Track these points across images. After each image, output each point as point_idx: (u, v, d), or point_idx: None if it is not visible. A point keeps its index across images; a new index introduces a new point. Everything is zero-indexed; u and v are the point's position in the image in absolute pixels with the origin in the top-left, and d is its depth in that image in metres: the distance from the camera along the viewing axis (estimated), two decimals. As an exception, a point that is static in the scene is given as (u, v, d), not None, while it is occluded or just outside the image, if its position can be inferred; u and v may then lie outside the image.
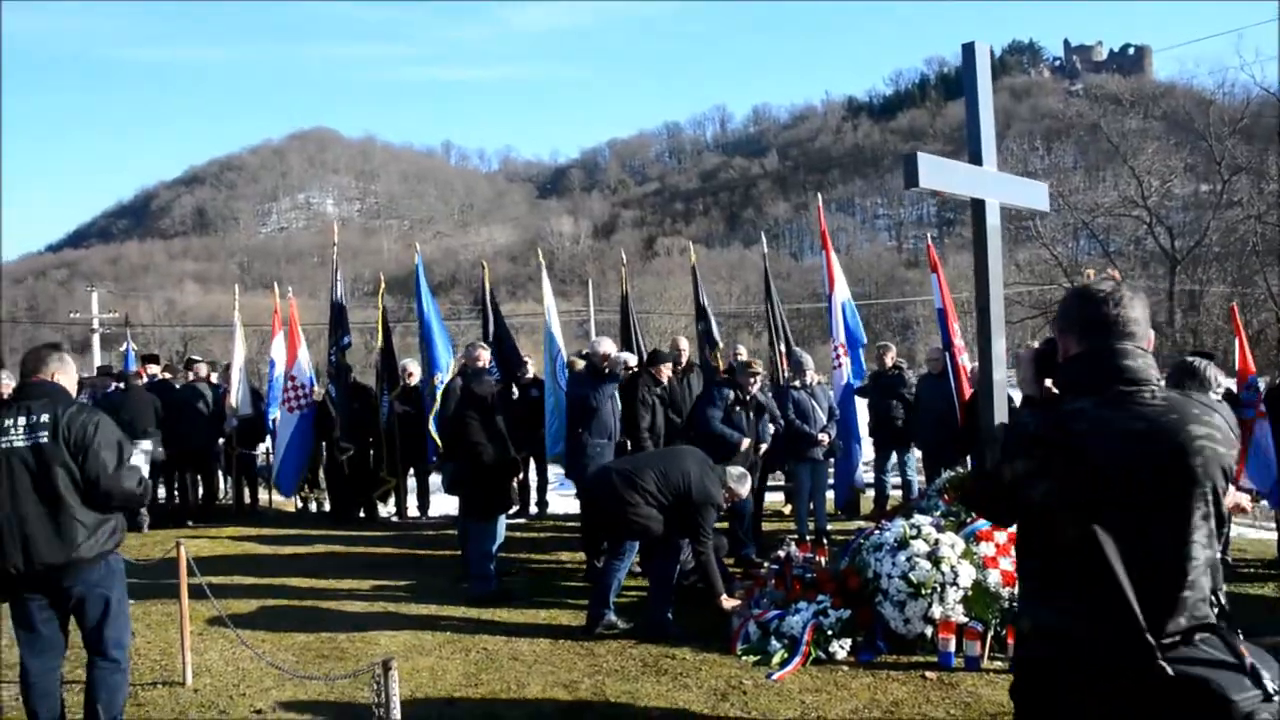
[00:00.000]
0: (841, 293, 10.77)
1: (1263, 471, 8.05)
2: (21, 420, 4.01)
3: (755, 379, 8.31)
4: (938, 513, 6.30)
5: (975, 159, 6.36)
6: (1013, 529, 5.82)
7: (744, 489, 6.66)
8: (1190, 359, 5.51)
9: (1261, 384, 8.49)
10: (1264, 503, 8.79)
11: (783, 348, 10.87)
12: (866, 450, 10.86)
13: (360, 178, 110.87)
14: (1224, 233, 26.33)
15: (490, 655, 5.68)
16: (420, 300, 10.88)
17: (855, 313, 10.85)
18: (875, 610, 5.81)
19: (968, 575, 5.69)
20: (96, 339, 31.31)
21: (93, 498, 4.06)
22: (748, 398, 8.24)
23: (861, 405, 10.65)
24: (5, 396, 9.86)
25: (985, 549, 5.90)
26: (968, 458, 9.38)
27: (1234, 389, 8.32)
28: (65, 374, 4.31)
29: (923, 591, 5.65)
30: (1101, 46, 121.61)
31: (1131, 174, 25.88)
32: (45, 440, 3.97)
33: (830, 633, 5.70)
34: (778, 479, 10.66)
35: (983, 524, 6.08)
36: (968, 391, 9.55)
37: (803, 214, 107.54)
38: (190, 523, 10.45)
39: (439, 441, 9.46)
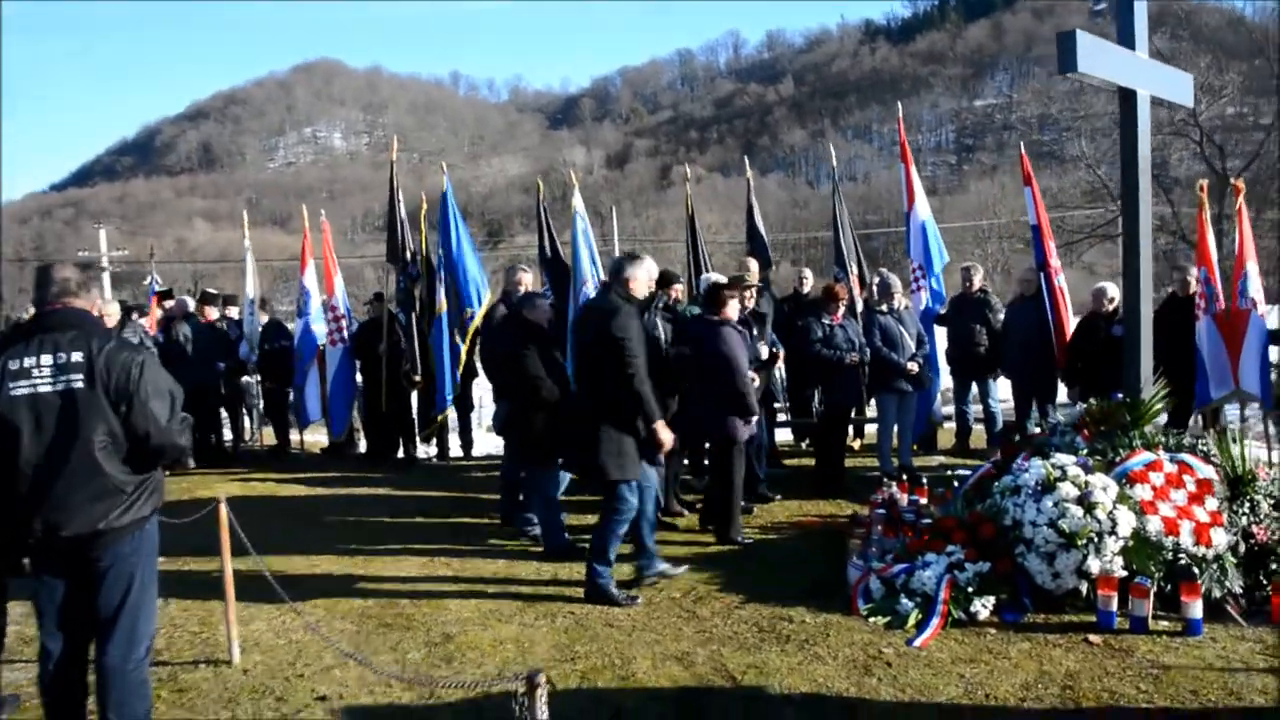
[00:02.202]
0: (922, 211, 9.87)
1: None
2: (47, 359, 3.20)
3: (752, 294, 7.60)
4: (1083, 451, 5.48)
5: (1127, 44, 5.46)
6: (1172, 468, 5.05)
7: (640, 268, 5.54)
8: None
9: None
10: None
11: (854, 269, 10.00)
12: (944, 379, 10.04)
13: (368, 110, 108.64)
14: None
15: (580, 622, 4.95)
16: (448, 228, 9.93)
17: (937, 234, 9.93)
18: (1017, 563, 5.06)
19: (1127, 523, 4.91)
20: (107, 277, 30.50)
21: (139, 455, 3.30)
22: (745, 314, 7.40)
23: (939, 332, 9.82)
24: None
25: (1142, 492, 5.12)
26: (1070, 386, 8.65)
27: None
28: (95, 303, 3.48)
29: (1077, 542, 4.88)
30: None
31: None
32: (80, 385, 3.19)
33: (970, 589, 4.96)
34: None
35: (1136, 463, 5.29)
36: (1066, 316, 8.72)
37: (819, 141, 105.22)
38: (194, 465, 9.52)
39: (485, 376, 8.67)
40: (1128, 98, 5.45)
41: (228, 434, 11.27)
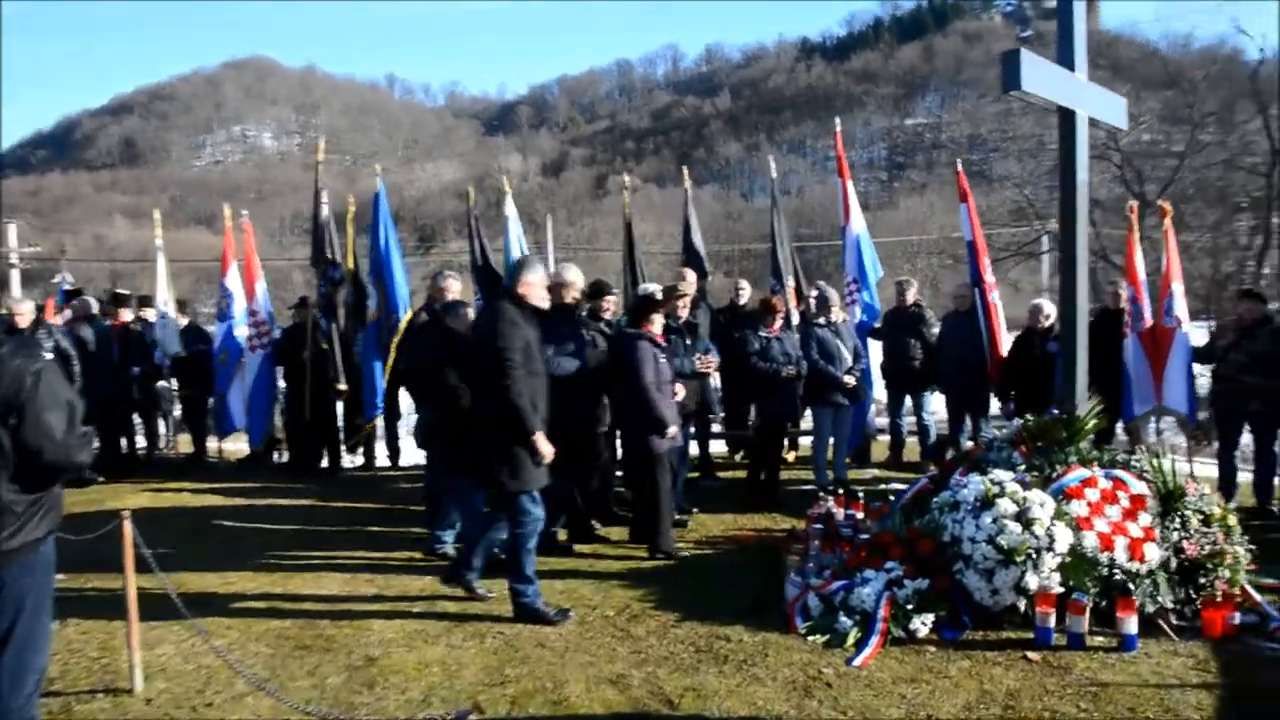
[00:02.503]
0: (857, 225, 9.89)
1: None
2: None
3: (685, 304, 7.50)
4: (1021, 467, 5.47)
5: (1066, 65, 5.49)
6: (1107, 485, 5.06)
7: (536, 274, 5.32)
8: None
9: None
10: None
11: (791, 282, 9.98)
12: (878, 393, 10.07)
13: (300, 110, 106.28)
14: (1195, 179, 25.92)
15: (510, 643, 4.74)
16: (378, 231, 9.66)
17: (871, 247, 9.96)
18: (955, 580, 5.02)
19: (1064, 539, 4.90)
20: (16, 274, 29.19)
21: (31, 472, 3.02)
22: (678, 324, 7.37)
23: (874, 346, 9.85)
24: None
25: (1078, 508, 5.11)
26: (1005, 402, 8.73)
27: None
28: None
29: (1015, 558, 4.85)
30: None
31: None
32: None
33: (909, 607, 4.89)
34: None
35: (1072, 479, 5.30)
36: (999, 331, 8.81)
37: (754, 154, 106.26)
38: (100, 479, 9.01)
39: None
40: (1067, 118, 5.48)
41: (141, 441, 10.76)
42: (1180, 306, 7.62)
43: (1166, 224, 7.72)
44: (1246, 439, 7.72)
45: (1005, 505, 5.05)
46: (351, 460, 10.22)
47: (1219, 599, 4.90)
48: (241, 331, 9.97)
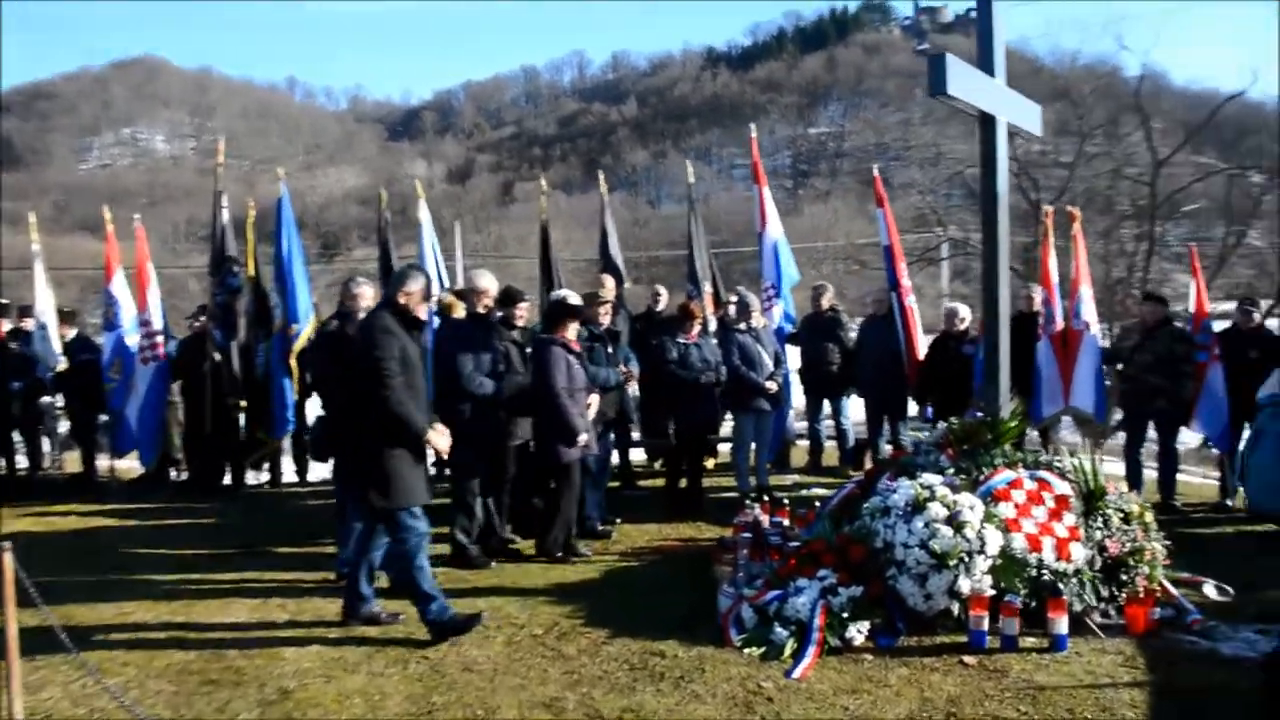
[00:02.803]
0: (774, 231, 9.89)
1: (1212, 416, 7.71)
2: None
3: (607, 310, 7.41)
4: (949, 471, 5.48)
5: (986, 72, 5.55)
6: (1032, 486, 5.11)
7: (417, 283, 5.03)
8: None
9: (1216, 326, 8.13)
10: (1213, 450, 8.49)
11: (708, 288, 9.94)
12: (796, 398, 10.09)
13: (195, 112, 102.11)
14: (1085, 188, 27.05)
15: (436, 668, 4.50)
16: (281, 237, 9.22)
17: (789, 253, 9.99)
18: (889, 585, 4.98)
19: (994, 542, 4.92)
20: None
21: None
22: (600, 331, 7.31)
23: (791, 351, 9.87)
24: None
25: (1006, 510, 5.14)
26: (923, 405, 8.85)
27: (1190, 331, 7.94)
28: None
29: (948, 562, 4.84)
30: (947, 9, 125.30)
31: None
32: None
33: (844, 615, 4.83)
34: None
35: (999, 481, 5.33)
36: (916, 335, 8.92)
37: (661, 162, 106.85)
38: None
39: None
40: (988, 123, 5.53)
41: (23, 461, 10.05)
42: (1089, 310, 7.83)
43: (1075, 229, 7.92)
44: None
45: (936, 509, 5.05)
46: (256, 477, 9.74)
47: (1141, 595, 4.99)
48: (133, 340, 9.38)
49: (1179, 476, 8.06)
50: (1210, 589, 5.57)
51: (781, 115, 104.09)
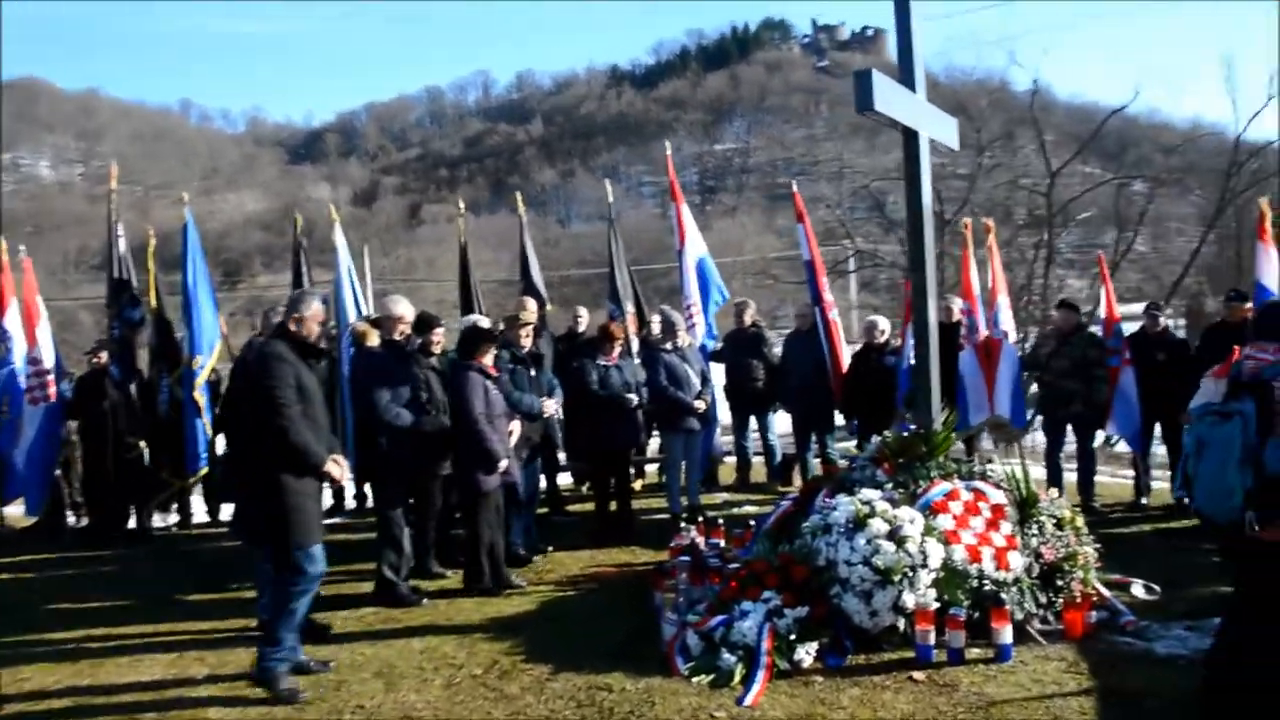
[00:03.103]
0: (697, 248, 9.88)
1: (1126, 418, 7.96)
2: None
3: (528, 332, 7.28)
4: (888, 485, 5.48)
5: (910, 88, 5.61)
6: (969, 496, 5.14)
7: (312, 308, 4.79)
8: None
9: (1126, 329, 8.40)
10: (1123, 446, 8.78)
11: (630, 308, 9.87)
12: (722, 415, 10.08)
13: (82, 137, 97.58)
14: (985, 199, 28.02)
15: (373, 717, 4.27)
16: (187, 265, 8.81)
17: (712, 269, 9.98)
18: (834, 604, 4.94)
19: (936, 554, 4.93)
20: None
21: None
22: (522, 354, 7.18)
23: (715, 368, 9.85)
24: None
25: (945, 522, 5.16)
26: (849, 418, 8.91)
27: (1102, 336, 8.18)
28: None
29: (892, 578, 4.82)
30: (844, 27, 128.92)
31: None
32: None
33: (791, 637, 4.76)
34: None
35: (936, 493, 5.35)
36: (840, 348, 8.99)
37: (570, 181, 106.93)
38: None
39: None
40: (911, 138, 5.58)
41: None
42: (1007, 318, 8.02)
43: (991, 240, 8.10)
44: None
45: (878, 525, 5.03)
46: (163, 519, 9.24)
47: (1078, 600, 5.06)
48: (24, 378, 8.80)
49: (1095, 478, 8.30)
50: (1139, 589, 5.70)
51: (688, 132, 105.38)
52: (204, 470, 8.76)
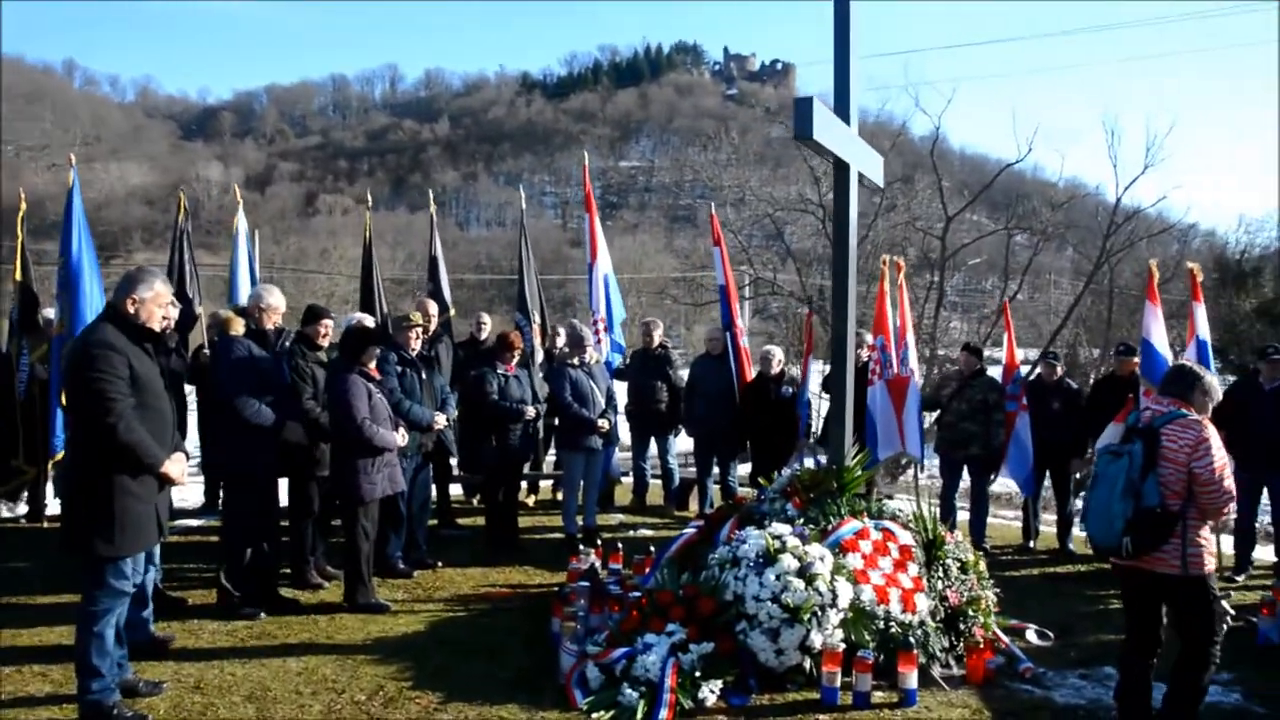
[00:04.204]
0: (604, 265, 9.70)
1: (1020, 463, 8.13)
2: None
3: (417, 334, 7.00)
4: (800, 521, 5.37)
5: (844, 120, 5.57)
6: (878, 536, 5.09)
7: (153, 288, 4.31)
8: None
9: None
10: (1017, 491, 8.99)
11: (537, 318, 9.61)
12: (622, 435, 9.88)
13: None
14: (884, 238, 28.72)
15: (243, 747, 3.89)
16: (70, 234, 8.12)
17: (616, 286, 9.81)
18: (739, 641, 4.79)
19: (846, 594, 4.84)
20: None
21: None
22: (410, 356, 6.92)
23: (619, 387, 9.66)
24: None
25: (854, 561, 5.10)
26: (742, 447, 8.84)
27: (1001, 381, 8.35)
28: None
29: (801, 616, 4.70)
30: (755, 58, 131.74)
31: (811, 173, 27.46)
32: None
33: (696, 674, 4.59)
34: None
35: (846, 531, 5.28)
36: (749, 374, 8.92)
37: (472, 183, 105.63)
38: None
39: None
40: (842, 170, 5.54)
41: None
42: (913, 357, 8.09)
43: (900, 279, 8.18)
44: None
45: (788, 561, 4.92)
46: (10, 509, 8.47)
47: (980, 645, 5.05)
48: None
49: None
50: (1032, 635, 5.75)
51: (594, 146, 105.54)
52: (60, 455, 8.06)
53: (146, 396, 4.16)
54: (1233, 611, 4.36)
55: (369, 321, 7.30)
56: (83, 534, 4.04)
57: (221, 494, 7.38)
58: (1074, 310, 25.87)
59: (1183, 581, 3.96)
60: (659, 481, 9.81)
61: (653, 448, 9.67)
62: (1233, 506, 4.09)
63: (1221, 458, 3.94)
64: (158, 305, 4.32)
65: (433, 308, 8.28)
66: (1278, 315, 22.73)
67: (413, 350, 6.93)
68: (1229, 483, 3.95)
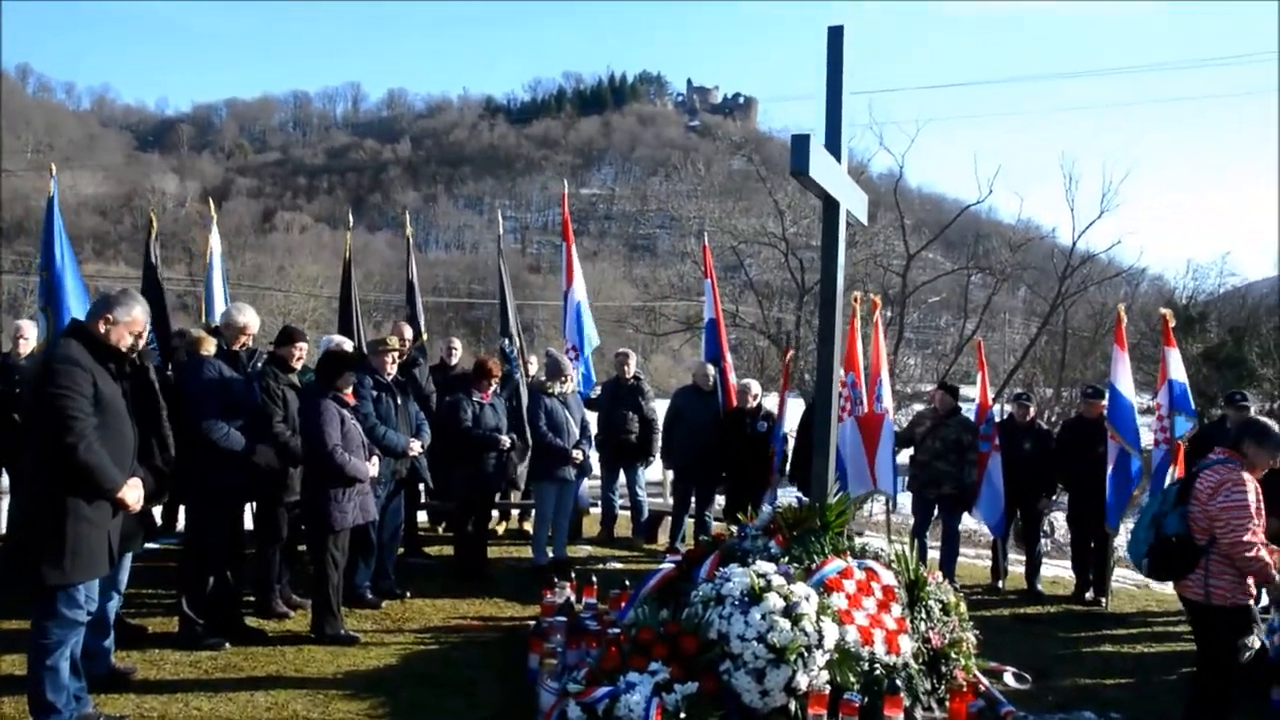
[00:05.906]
0: (579, 292, 9.63)
1: (991, 503, 8.16)
2: None
3: (392, 358, 6.87)
4: (784, 560, 5.32)
5: (836, 157, 5.60)
6: (861, 575, 5.06)
7: (130, 313, 4.22)
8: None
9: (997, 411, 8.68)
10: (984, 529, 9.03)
11: (518, 344, 9.49)
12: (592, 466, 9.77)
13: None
14: (847, 274, 29.15)
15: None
16: (52, 241, 7.84)
17: (588, 315, 9.74)
18: (723, 681, 4.70)
19: (831, 635, 4.78)
20: None
21: None
22: (386, 380, 6.80)
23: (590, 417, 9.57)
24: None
25: (839, 601, 5.04)
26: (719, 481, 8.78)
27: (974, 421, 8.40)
28: None
29: (787, 657, 4.63)
30: (718, 91, 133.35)
31: (775, 207, 27.74)
32: None
33: (681, 715, 4.49)
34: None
35: (830, 570, 5.23)
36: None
37: (432, 205, 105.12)
38: None
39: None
40: (832, 208, 5.56)
41: None
42: (888, 394, 8.12)
43: (875, 316, 8.23)
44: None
45: (774, 600, 4.85)
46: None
47: (963, 688, 5.02)
48: None
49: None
50: (1010, 678, 5.75)
51: (556, 172, 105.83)
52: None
53: (108, 417, 4.01)
54: (1258, 644, 4.51)
55: (348, 345, 7.16)
56: (31, 559, 3.84)
57: (183, 517, 7.15)
58: (1030, 350, 26.34)
59: (1205, 609, 4.48)
60: (627, 513, 9.71)
61: (621, 478, 9.58)
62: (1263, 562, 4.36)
63: (1242, 506, 4.31)
64: (130, 331, 4.19)
65: (408, 331, 8.15)
66: (1223, 359, 23.27)
67: (388, 374, 6.81)
68: (1249, 536, 4.31)
